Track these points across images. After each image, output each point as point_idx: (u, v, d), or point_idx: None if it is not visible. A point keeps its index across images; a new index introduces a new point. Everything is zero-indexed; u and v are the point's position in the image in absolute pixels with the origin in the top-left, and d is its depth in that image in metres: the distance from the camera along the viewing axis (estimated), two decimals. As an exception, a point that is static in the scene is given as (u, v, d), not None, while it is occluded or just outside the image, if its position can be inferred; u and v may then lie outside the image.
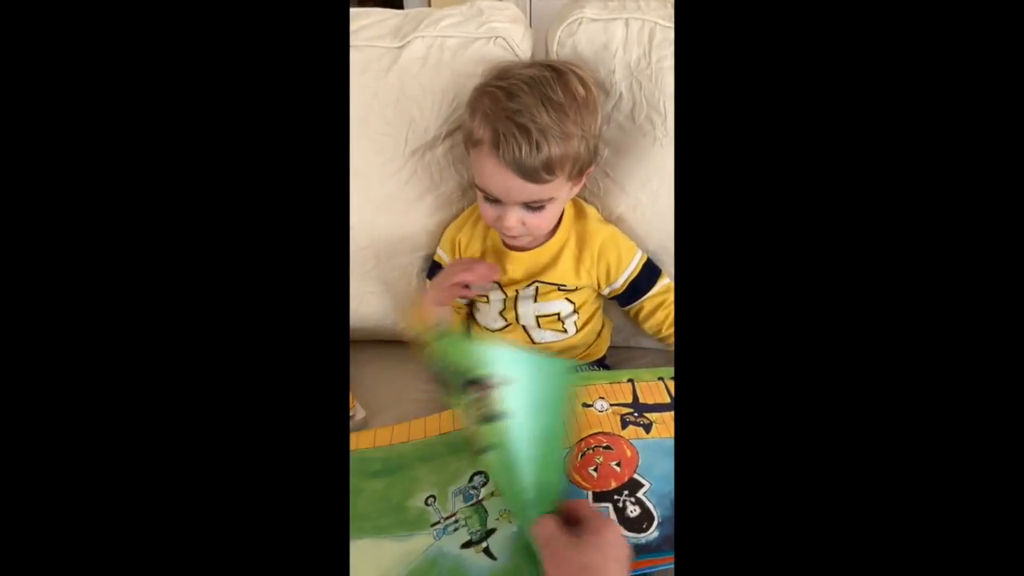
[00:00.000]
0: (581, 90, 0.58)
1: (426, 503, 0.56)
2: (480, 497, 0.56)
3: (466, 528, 0.53)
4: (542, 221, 0.62)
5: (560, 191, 0.60)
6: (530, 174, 0.56)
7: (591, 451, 0.55)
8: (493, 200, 0.60)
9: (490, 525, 0.53)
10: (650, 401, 0.60)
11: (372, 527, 0.55)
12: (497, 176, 0.57)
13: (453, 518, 0.54)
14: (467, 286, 0.66)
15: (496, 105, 0.56)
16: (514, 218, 0.60)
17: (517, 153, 0.54)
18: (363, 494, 0.58)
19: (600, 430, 0.57)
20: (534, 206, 0.60)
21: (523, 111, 0.54)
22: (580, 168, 0.60)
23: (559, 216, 0.66)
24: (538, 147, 0.54)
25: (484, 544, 0.51)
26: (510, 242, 0.68)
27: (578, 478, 0.53)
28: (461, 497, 0.56)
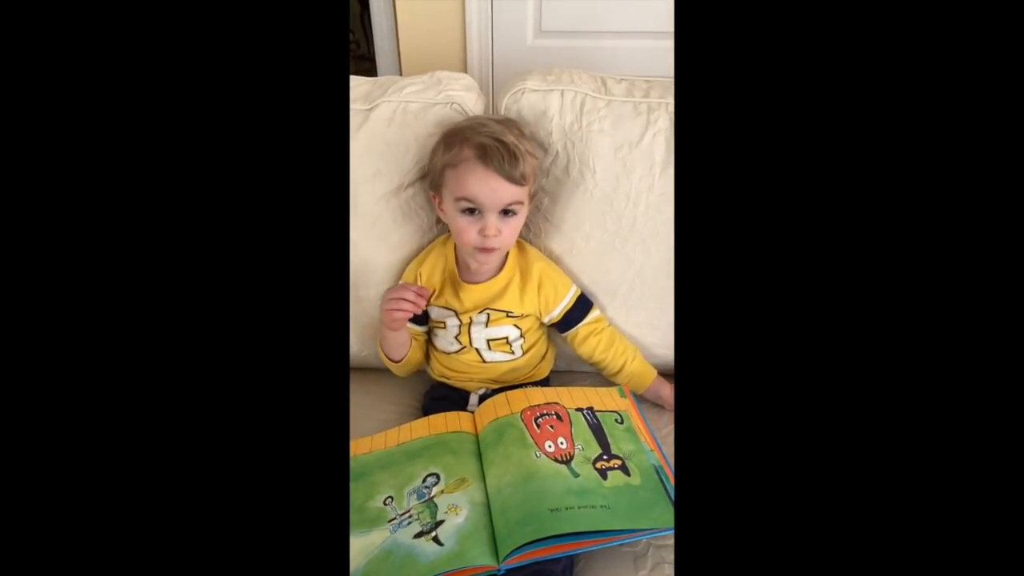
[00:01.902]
0: (525, 131, 0.75)
1: (384, 503, 0.64)
2: (431, 495, 0.64)
3: (418, 521, 0.61)
4: (513, 229, 0.74)
5: (525, 198, 0.73)
6: (512, 177, 0.69)
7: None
8: (471, 211, 0.71)
9: (439, 517, 0.61)
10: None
11: None
12: (484, 181, 0.69)
13: (408, 513, 0.62)
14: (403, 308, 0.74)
15: (474, 130, 0.71)
16: (494, 224, 0.71)
17: (501, 161, 0.68)
18: None
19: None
20: (508, 211, 0.72)
21: (497, 133, 0.70)
22: (534, 190, 0.75)
23: (520, 228, 0.77)
24: (514, 155, 0.69)
25: (433, 533, 0.59)
26: (485, 255, 0.75)
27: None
28: (415, 495, 0.64)
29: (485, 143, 0.69)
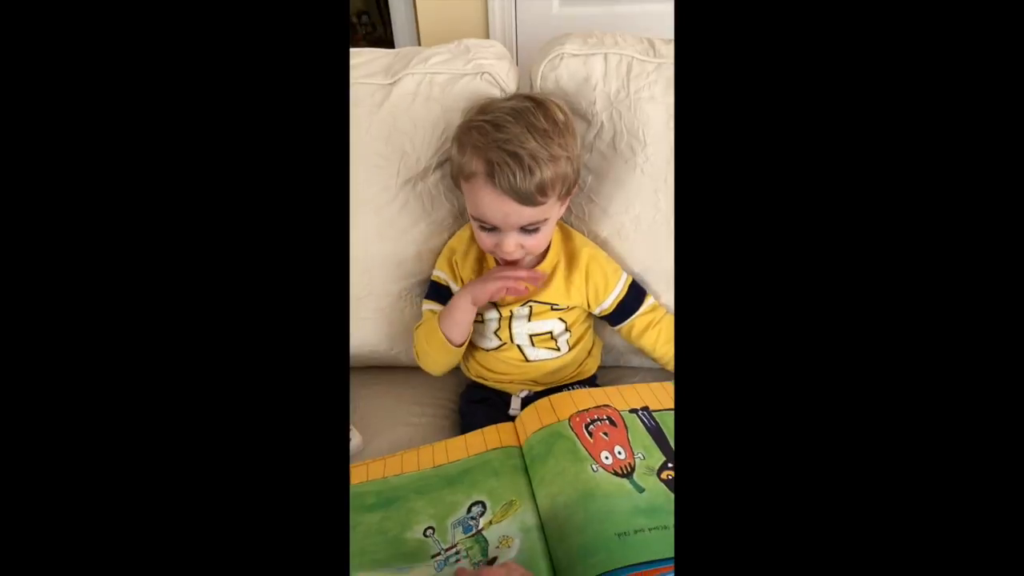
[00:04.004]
0: (560, 116, 0.62)
1: (424, 535, 0.57)
2: (480, 527, 0.56)
3: (468, 559, 0.54)
4: (539, 242, 0.65)
5: (552, 211, 0.63)
6: (526, 198, 0.59)
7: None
8: (490, 228, 0.63)
9: (491, 554, 0.53)
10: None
11: (370, 561, 0.54)
12: (495, 204, 0.60)
13: (454, 549, 0.55)
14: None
15: (485, 138, 0.59)
16: (512, 243, 0.63)
17: (512, 179, 0.57)
18: (358, 528, 0.57)
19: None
20: (530, 229, 0.63)
21: (512, 140, 0.57)
22: (568, 188, 0.64)
23: (551, 236, 0.69)
24: (531, 171, 0.57)
25: None
26: (506, 262, 0.69)
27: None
28: (460, 528, 0.56)
29: (493, 159, 0.57)
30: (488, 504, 0.58)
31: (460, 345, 0.71)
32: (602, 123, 0.71)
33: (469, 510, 0.58)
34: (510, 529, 0.55)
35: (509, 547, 0.53)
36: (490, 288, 0.66)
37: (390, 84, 0.72)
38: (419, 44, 1.39)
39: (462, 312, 0.69)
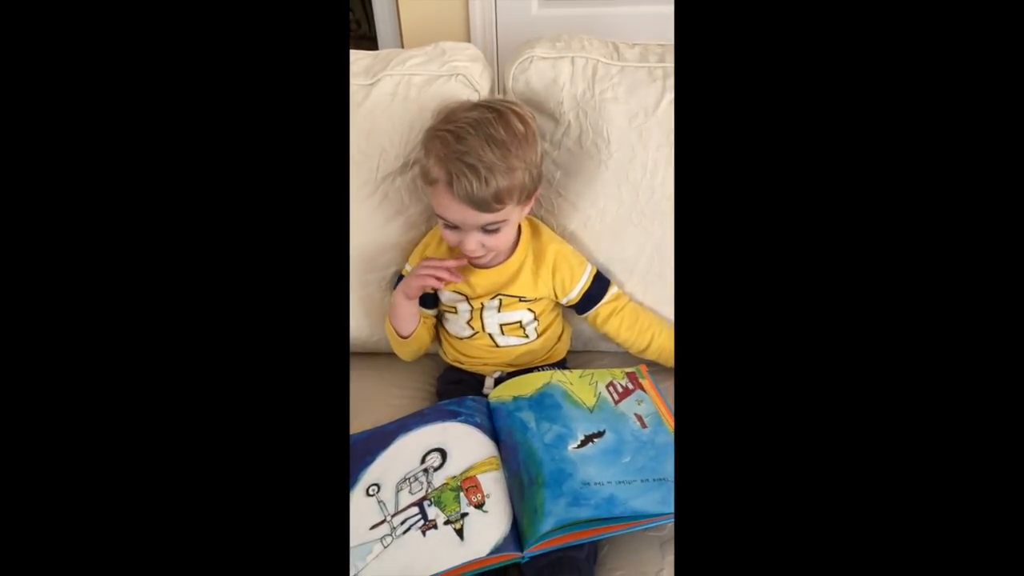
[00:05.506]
0: (520, 126, 0.65)
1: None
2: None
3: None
4: (499, 241, 0.70)
5: (511, 215, 0.68)
6: (482, 205, 0.64)
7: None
8: (453, 227, 0.68)
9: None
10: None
11: None
12: (454, 208, 0.65)
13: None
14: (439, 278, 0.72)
15: (447, 148, 0.63)
16: (473, 242, 0.68)
17: (469, 189, 0.62)
18: None
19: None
20: (490, 229, 0.68)
21: (470, 152, 0.62)
22: (527, 194, 0.68)
23: (515, 234, 0.74)
24: (486, 182, 0.62)
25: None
26: (474, 260, 0.74)
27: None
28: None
29: (452, 170, 0.62)
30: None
31: (407, 336, 0.77)
32: (569, 122, 0.76)
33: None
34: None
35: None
36: (415, 283, 0.72)
37: (370, 84, 0.76)
38: (401, 42, 1.42)
39: (401, 307, 0.75)
